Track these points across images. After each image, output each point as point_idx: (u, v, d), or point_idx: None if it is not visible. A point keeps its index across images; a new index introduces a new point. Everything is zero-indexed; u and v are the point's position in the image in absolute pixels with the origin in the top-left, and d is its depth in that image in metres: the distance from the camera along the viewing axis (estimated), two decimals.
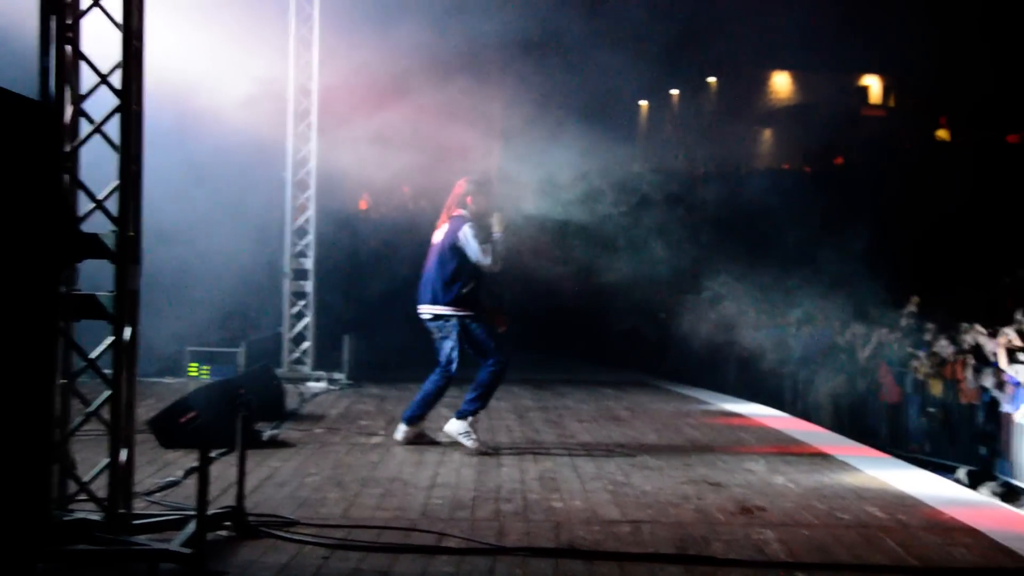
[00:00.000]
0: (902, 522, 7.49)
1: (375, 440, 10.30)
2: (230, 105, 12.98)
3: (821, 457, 10.21)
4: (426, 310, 9.83)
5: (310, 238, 15.55)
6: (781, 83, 45.82)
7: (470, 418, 9.75)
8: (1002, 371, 13.46)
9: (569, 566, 6.09)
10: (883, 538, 6.98)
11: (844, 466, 9.74)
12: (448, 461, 9.24)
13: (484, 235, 9.73)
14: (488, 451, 9.65)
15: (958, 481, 12.06)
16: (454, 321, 9.70)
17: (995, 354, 13.56)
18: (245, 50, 12.87)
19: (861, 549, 6.70)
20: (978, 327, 14.47)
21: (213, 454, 7.01)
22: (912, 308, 17.34)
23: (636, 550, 6.46)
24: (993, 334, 13.93)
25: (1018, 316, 14.03)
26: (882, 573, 6.21)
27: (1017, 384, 13.02)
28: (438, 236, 9.92)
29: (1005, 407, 13.37)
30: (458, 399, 10.12)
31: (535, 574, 5.93)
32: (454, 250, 9.71)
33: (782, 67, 44.96)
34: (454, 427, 9.75)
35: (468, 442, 9.64)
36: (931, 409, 14.97)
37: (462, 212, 9.83)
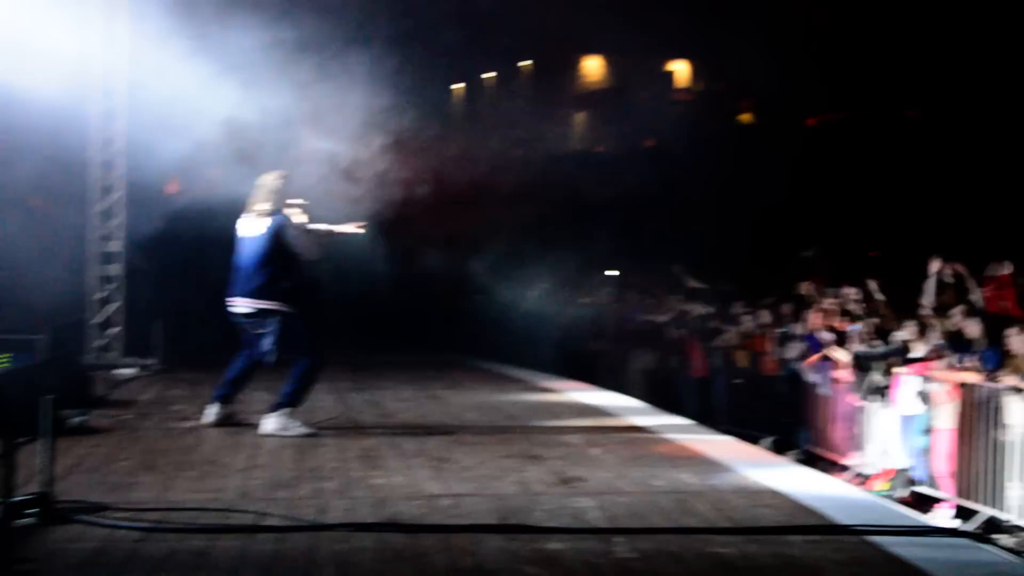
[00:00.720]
0: (713, 486, 7.80)
1: (189, 424, 10.06)
2: (30, 79, 12.39)
3: (636, 429, 10.53)
4: (244, 304, 9.59)
5: (119, 220, 15.02)
6: (593, 67, 46.67)
7: (287, 410, 9.63)
8: (806, 341, 14.12)
9: (392, 539, 6.11)
10: (695, 502, 7.25)
11: (658, 437, 10.06)
12: (265, 443, 9.13)
13: (301, 227, 9.62)
14: (315, 431, 9.56)
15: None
16: (276, 317, 9.53)
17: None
18: (50, 18, 12.26)
19: (675, 513, 6.95)
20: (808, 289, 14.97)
21: (18, 440, 6.72)
22: (722, 285, 18.06)
23: (458, 522, 6.53)
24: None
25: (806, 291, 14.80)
26: (694, 534, 6.44)
27: (819, 352, 13.66)
28: (249, 229, 9.71)
29: (807, 378, 14.03)
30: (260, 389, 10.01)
31: (358, 549, 5.93)
32: (275, 243, 9.53)
33: (593, 51, 45.78)
34: (272, 424, 9.59)
35: (292, 432, 9.51)
36: (737, 380, 15.59)
37: (276, 205, 9.66)
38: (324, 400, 11.63)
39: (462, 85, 44.63)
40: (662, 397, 16.22)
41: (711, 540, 6.31)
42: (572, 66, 46.14)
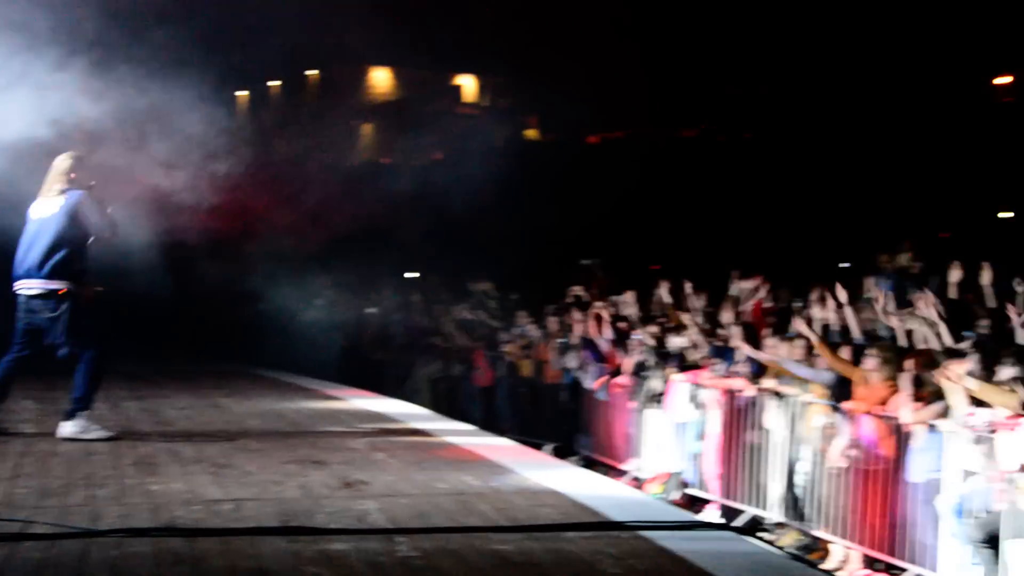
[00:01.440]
0: (495, 488, 7.98)
1: None
2: None
3: (420, 435, 10.63)
4: (33, 286, 9.12)
5: None
6: (380, 79, 46.73)
7: (85, 413, 9.30)
8: (586, 350, 14.55)
9: (169, 544, 6.01)
10: (477, 503, 7.41)
11: (442, 442, 10.19)
12: (32, 452, 8.76)
13: (98, 208, 9.35)
14: (114, 435, 9.31)
15: None
16: (67, 301, 9.10)
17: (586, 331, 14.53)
18: None
19: (457, 513, 7.08)
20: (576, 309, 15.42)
21: None
22: (497, 292, 18.42)
23: (239, 526, 6.47)
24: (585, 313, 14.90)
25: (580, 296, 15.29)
26: (475, 532, 6.59)
27: (600, 361, 14.10)
28: (42, 210, 9.34)
29: (587, 384, 14.45)
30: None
31: (133, 554, 5.80)
32: (71, 224, 9.15)
33: (381, 63, 45.84)
34: (70, 428, 9.23)
35: (93, 435, 9.19)
36: (520, 388, 15.91)
37: (69, 186, 9.35)
38: (97, 408, 11.23)
39: (246, 93, 43.82)
40: (447, 405, 16.41)
41: (491, 538, 6.47)
42: (360, 77, 46.07)
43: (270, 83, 45.03)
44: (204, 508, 6.94)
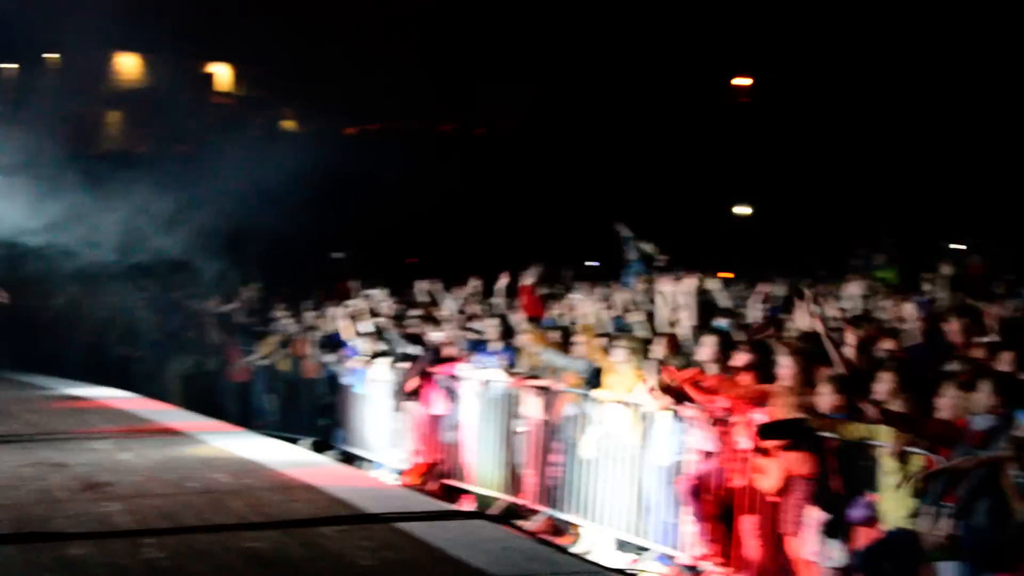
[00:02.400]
0: (248, 485, 7.89)
1: None
2: None
3: (171, 433, 10.37)
4: None
5: None
6: (127, 65, 44.88)
7: None
8: (343, 344, 14.47)
9: None
10: (229, 500, 7.30)
11: (193, 440, 9.97)
12: None
13: None
14: None
15: None
16: None
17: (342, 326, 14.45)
18: None
19: (208, 512, 6.96)
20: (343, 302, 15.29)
21: None
22: (254, 291, 18.09)
23: None
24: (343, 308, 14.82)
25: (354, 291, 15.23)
26: (227, 531, 6.50)
27: (355, 354, 14.05)
28: None
29: (345, 380, 14.37)
30: None
31: None
32: None
33: (127, 48, 44.03)
34: None
35: None
36: (277, 384, 15.66)
37: None
38: None
39: None
40: (202, 401, 15.99)
41: (244, 536, 6.40)
42: (104, 62, 44.11)
43: (4, 66, 42.50)
44: None
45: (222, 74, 44.28)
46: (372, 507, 7.29)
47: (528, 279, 13.41)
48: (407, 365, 12.87)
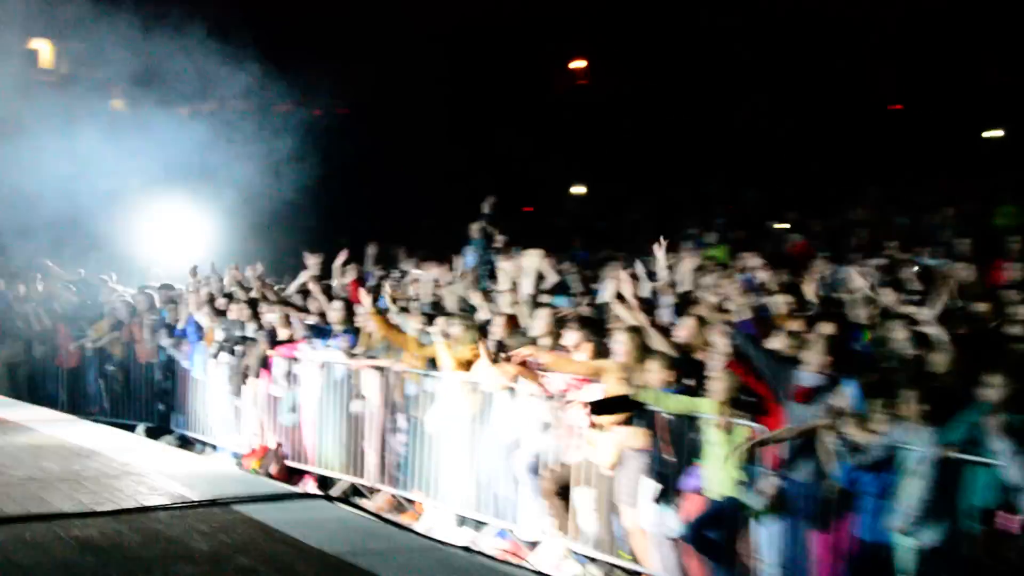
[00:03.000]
0: (78, 473, 7.70)
1: None
2: None
3: None
4: None
5: None
6: None
7: None
8: (177, 328, 14.20)
9: None
10: (58, 489, 7.12)
11: (20, 429, 9.66)
12: None
13: None
14: None
15: None
16: None
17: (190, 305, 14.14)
18: None
19: (32, 501, 6.78)
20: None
21: None
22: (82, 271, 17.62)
23: None
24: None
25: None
26: (56, 519, 6.35)
27: (194, 339, 13.79)
28: None
29: (182, 364, 14.11)
30: None
31: None
32: None
33: None
34: None
35: None
36: (110, 369, 15.25)
37: None
38: None
39: None
40: (29, 390, 15.47)
41: (74, 524, 6.26)
42: None
43: None
44: None
45: (44, 51, 42.54)
46: (208, 491, 7.20)
47: (349, 275, 13.40)
48: (245, 348, 12.72)
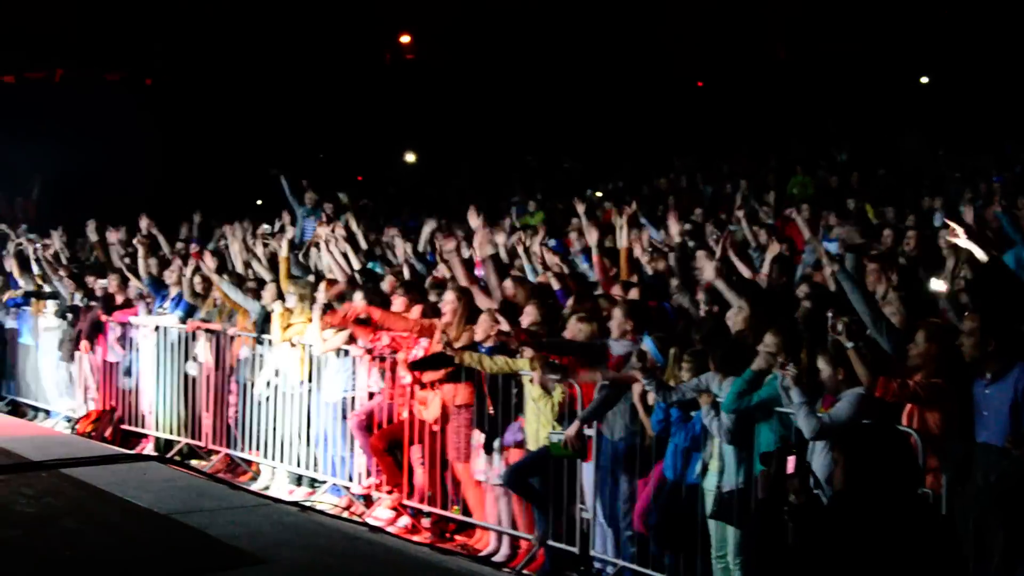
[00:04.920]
0: None
1: None
2: None
3: None
4: None
5: None
6: None
7: None
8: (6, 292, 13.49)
9: None
10: None
11: None
12: None
13: None
14: None
15: None
16: None
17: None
18: None
19: None
20: None
21: None
22: None
23: None
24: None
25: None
26: None
27: (23, 304, 13.12)
28: None
29: (9, 326, 13.42)
30: None
31: None
32: None
33: None
34: None
35: None
36: None
37: None
38: None
39: None
40: None
41: None
42: None
43: None
44: None
45: None
46: (35, 455, 6.89)
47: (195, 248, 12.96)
48: (78, 312, 12.19)
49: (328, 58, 24.72)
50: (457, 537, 8.28)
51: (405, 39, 27.78)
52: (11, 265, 13.56)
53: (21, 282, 13.32)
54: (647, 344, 6.67)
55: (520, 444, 7.62)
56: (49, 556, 4.90)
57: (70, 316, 12.27)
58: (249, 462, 10.27)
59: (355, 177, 22.93)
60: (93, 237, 13.89)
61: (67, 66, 25.40)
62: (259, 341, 9.97)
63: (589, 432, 7.09)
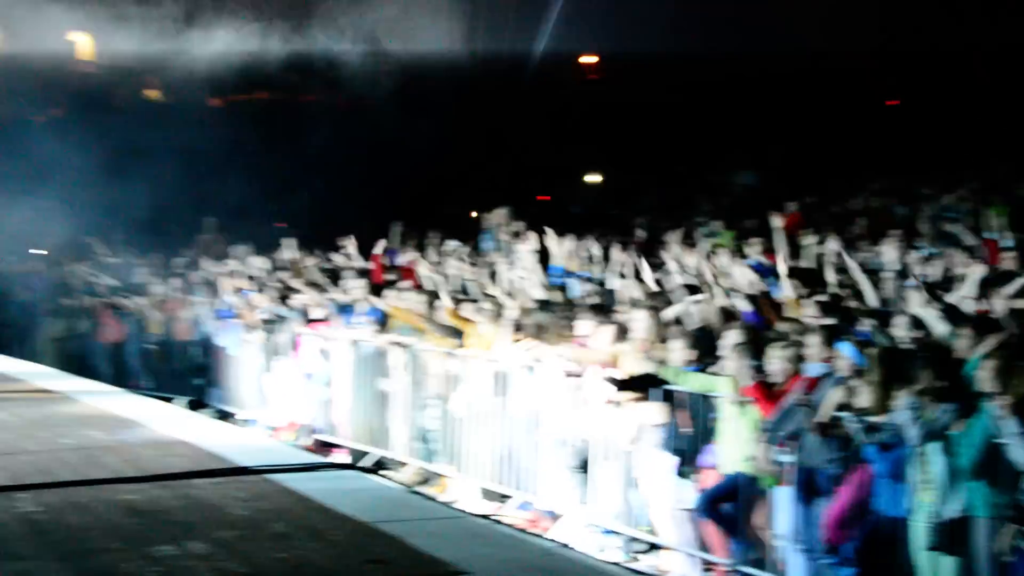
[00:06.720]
0: (122, 441, 7.67)
1: None
2: None
3: (45, 393, 10.01)
4: None
5: None
6: None
7: None
8: (213, 306, 14.17)
9: None
10: (104, 456, 7.09)
11: (67, 399, 9.66)
12: None
13: None
14: None
15: None
16: None
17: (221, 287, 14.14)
18: None
19: (84, 467, 6.75)
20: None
21: None
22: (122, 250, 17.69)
23: None
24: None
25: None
26: (102, 484, 6.31)
27: (229, 317, 13.76)
28: None
29: (216, 341, 14.07)
30: None
31: None
32: None
33: None
34: None
35: None
36: (150, 345, 15.22)
37: None
38: None
39: None
40: (74, 364, 15.44)
41: (119, 489, 6.23)
42: None
43: None
44: None
45: (83, 42, 42.27)
46: (245, 460, 7.18)
47: (377, 248, 13.28)
48: (278, 326, 12.68)
49: (514, 78, 25.05)
50: (645, 558, 8.19)
51: (591, 59, 27.93)
52: (221, 281, 14.23)
53: (231, 298, 13.91)
54: (847, 350, 6.47)
55: (713, 467, 7.49)
56: (263, 558, 5.09)
57: (271, 328, 12.77)
58: (438, 475, 10.42)
59: (537, 197, 23.14)
60: (293, 255, 14.41)
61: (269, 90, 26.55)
62: (449, 355, 10.13)
63: (786, 457, 6.90)
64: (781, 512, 6.97)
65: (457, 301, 10.54)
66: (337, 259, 13.68)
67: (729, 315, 8.33)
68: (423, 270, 11.00)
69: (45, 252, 18.48)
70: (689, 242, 12.82)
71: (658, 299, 9.06)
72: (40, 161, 19.72)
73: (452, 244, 12.97)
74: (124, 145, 20.67)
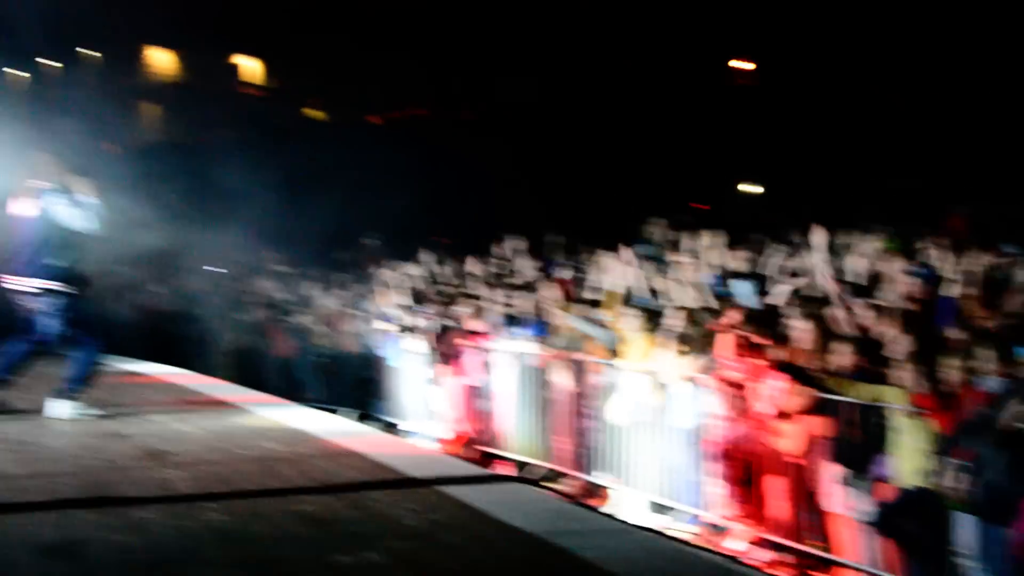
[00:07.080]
0: (297, 452, 7.90)
1: None
2: None
3: (222, 405, 10.40)
4: (30, 284, 9.02)
5: None
6: (157, 59, 44.73)
7: (74, 394, 9.28)
8: (377, 320, 14.50)
9: None
10: (281, 467, 7.32)
11: (243, 411, 10.00)
12: None
13: (76, 201, 9.07)
14: (103, 413, 9.31)
15: None
16: (64, 299, 9.02)
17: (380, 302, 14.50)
18: None
19: (261, 477, 6.98)
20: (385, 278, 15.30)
21: None
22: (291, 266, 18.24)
23: (43, 499, 6.19)
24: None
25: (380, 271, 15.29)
26: (280, 495, 6.51)
27: (392, 330, 14.06)
28: (24, 209, 9.12)
29: (381, 353, 14.41)
30: None
31: None
32: (50, 223, 9.00)
33: (157, 44, 43.86)
34: (58, 408, 9.19)
35: (87, 413, 9.24)
36: (319, 358, 15.69)
37: (47, 184, 9.09)
38: None
39: (23, 73, 41.11)
40: (248, 377, 16.03)
41: (297, 499, 6.41)
42: (139, 58, 43.94)
43: (41, 61, 42.21)
44: (4, 485, 6.60)
45: (247, 65, 44.00)
46: (415, 472, 7.30)
47: (564, 273, 13.29)
48: (440, 338, 12.88)
49: (669, 85, 24.92)
50: (815, 574, 7.99)
51: (748, 66, 27.55)
52: (384, 294, 14.55)
53: (394, 311, 14.19)
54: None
55: (887, 479, 7.26)
56: (441, 569, 5.17)
57: (433, 340, 12.99)
58: (601, 487, 10.41)
59: (692, 204, 22.92)
60: (471, 269, 14.61)
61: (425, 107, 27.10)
62: (611, 367, 10.12)
63: (968, 475, 6.62)
64: (965, 531, 6.70)
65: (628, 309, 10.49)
66: (500, 268, 13.82)
67: (901, 321, 8.06)
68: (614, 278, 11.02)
69: (222, 270, 19.25)
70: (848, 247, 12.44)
71: (817, 305, 8.83)
72: (217, 182, 20.59)
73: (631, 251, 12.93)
74: (294, 166, 21.37)
